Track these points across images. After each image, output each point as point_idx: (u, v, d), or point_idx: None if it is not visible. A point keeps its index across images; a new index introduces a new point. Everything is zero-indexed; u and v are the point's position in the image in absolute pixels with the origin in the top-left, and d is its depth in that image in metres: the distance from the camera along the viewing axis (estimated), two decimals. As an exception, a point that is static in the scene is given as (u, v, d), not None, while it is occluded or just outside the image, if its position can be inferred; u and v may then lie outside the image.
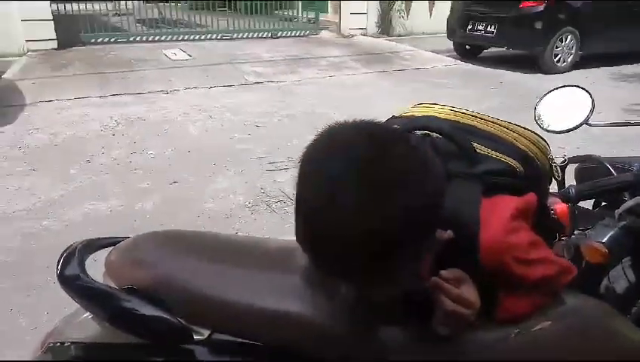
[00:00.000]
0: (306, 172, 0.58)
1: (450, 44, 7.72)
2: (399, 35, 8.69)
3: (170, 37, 7.28)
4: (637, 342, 0.72)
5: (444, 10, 8.71)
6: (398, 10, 8.68)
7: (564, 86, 1.05)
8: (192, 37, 7.40)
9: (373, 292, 0.63)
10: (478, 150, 0.72)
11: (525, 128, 0.80)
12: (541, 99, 1.03)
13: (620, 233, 1.14)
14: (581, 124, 1.01)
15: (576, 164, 1.21)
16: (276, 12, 8.14)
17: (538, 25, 6.41)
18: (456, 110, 0.79)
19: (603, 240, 1.14)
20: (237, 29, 7.69)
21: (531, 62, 6.49)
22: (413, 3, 8.91)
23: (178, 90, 5.12)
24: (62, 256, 0.77)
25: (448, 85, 5.76)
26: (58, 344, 0.76)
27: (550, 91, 1.05)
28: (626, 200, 1.09)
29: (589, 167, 1.23)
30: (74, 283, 0.72)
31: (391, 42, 8.09)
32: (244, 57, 6.53)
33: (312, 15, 8.31)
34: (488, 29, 6.81)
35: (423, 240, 0.59)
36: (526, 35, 6.51)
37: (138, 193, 2.95)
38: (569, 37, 6.52)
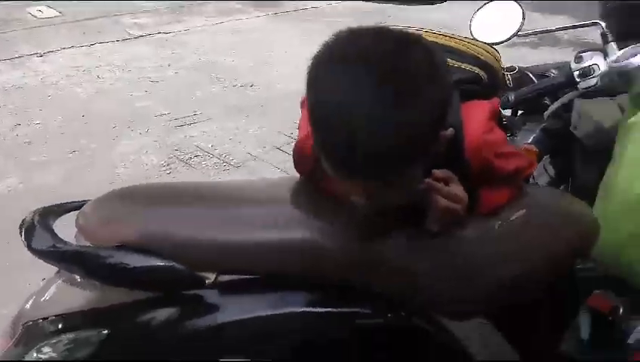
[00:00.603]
0: (329, 77, 0.59)
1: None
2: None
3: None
4: (589, 215, 0.83)
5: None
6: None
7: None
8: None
9: (390, 195, 0.65)
10: (448, 63, 0.75)
11: (478, 41, 0.85)
12: (476, 12, 1.09)
13: (541, 135, 1.26)
14: (514, 35, 1.09)
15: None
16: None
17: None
18: (418, 29, 0.81)
19: (529, 142, 1.26)
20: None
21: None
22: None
23: (54, 52, 4.57)
24: (22, 228, 0.69)
25: (344, 23, 5.69)
26: (38, 321, 0.69)
27: (484, 5, 1.10)
28: (548, 104, 1.21)
29: (513, 77, 1.33)
30: (54, 251, 0.65)
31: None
32: (121, 9, 5.94)
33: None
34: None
35: (438, 135, 0.63)
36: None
37: (35, 167, 2.66)
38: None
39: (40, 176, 2.57)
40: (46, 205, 0.81)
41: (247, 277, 0.68)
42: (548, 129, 1.28)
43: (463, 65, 0.79)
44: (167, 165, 2.73)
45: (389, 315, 0.69)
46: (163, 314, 0.65)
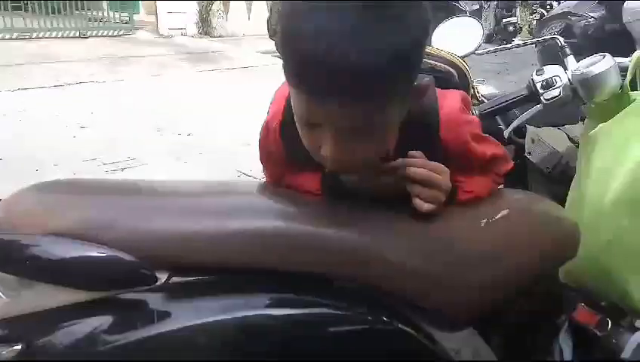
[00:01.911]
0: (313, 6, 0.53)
1: (272, 45, 7.88)
2: (220, 36, 8.58)
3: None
4: (569, 219, 0.79)
5: (262, 12, 8.91)
6: (217, 11, 8.57)
7: (457, 16, 1.13)
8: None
9: (363, 148, 0.59)
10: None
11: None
12: (437, 27, 1.09)
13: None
14: (474, 51, 1.10)
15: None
16: (78, 12, 7.30)
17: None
18: None
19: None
20: (36, 28, 6.69)
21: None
22: (231, 4, 8.91)
23: (-29, 95, 4.25)
24: None
25: (276, 81, 5.84)
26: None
27: (445, 20, 1.11)
28: (502, 128, 1.21)
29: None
30: None
31: (213, 42, 7.94)
32: (52, 57, 5.74)
33: (124, 14, 7.68)
34: (308, 27, 7.13)
35: (414, 77, 0.60)
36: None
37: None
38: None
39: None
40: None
41: (203, 278, 0.56)
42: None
43: (437, 65, 0.80)
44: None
45: (369, 318, 0.59)
46: (94, 323, 0.51)
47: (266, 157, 0.77)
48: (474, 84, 0.93)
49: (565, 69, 0.98)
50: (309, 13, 0.52)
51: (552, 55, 1.55)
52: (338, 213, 0.65)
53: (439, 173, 0.65)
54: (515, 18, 11.88)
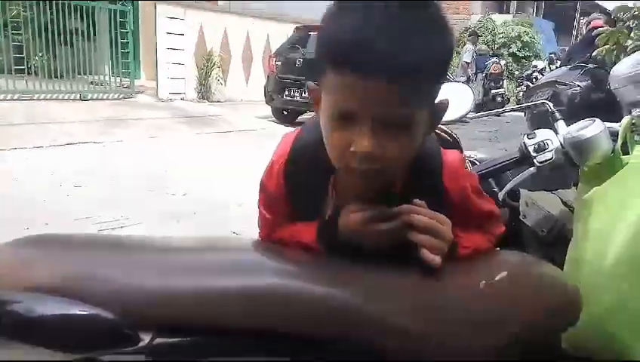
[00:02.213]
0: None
1: (268, 110, 8.12)
2: (219, 101, 8.82)
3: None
4: (569, 284, 0.77)
5: (258, 78, 9.22)
6: (216, 77, 8.85)
7: (449, 81, 1.16)
8: (-21, 96, 6.34)
9: (394, 145, 0.60)
10: None
11: None
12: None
13: None
14: (464, 115, 1.12)
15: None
16: (80, 76, 7.51)
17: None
18: None
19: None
20: (38, 90, 6.85)
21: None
22: (230, 71, 9.22)
23: (-33, 153, 4.27)
24: None
25: (273, 145, 5.94)
26: None
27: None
28: (496, 191, 1.22)
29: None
30: None
31: (212, 107, 8.14)
32: (51, 118, 5.82)
33: (125, 80, 7.90)
34: (304, 94, 7.35)
35: (438, 89, 0.64)
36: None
37: None
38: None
39: None
40: None
41: (189, 339, 0.53)
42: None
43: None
44: (83, 270, 2.44)
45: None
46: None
47: (265, 199, 0.76)
48: (464, 153, 0.95)
49: (556, 132, 0.99)
50: (358, 5, 0.58)
51: (541, 121, 1.59)
52: (331, 271, 0.63)
53: (443, 223, 0.65)
54: (503, 90, 12.36)
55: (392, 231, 0.65)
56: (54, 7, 6.84)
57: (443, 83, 0.65)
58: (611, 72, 0.95)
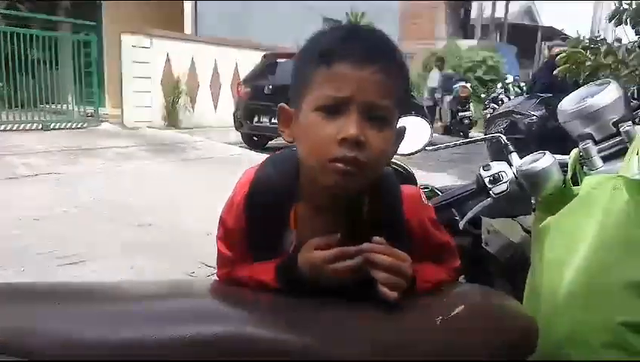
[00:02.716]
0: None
1: (238, 136, 8.11)
2: (187, 128, 8.75)
3: None
4: (526, 314, 0.79)
5: (226, 104, 9.22)
6: (184, 104, 8.81)
7: (407, 115, 1.19)
8: None
9: (373, 138, 0.64)
10: None
11: None
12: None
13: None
14: (422, 148, 1.14)
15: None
16: (43, 106, 7.34)
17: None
18: None
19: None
20: (-2, 120, 6.66)
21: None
22: (198, 98, 9.20)
23: None
24: None
25: (242, 171, 5.94)
26: None
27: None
28: (457, 219, 1.24)
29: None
30: None
31: (181, 134, 8.06)
32: (10, 149, 5.65)
33: (89, 108, 7.77)
34: (273, 120, 7.38)
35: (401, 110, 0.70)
36: (305, 126, 7.27)
37: None
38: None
39: None
40: None
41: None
42: (459, 245, 1.30)
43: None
44: (42, 309, 2.34)
45: None
46: None
47: (224, 234, 0.76)
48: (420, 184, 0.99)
49: (510, 164, 1.02)
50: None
51: (499, 150, 1.64)
52: (290, 314, 0.62)
53: (403, 260, 0.66)
54: (470, 112, 12.72)
55: (353, 271, 0.66)
56: (15, 38, 6.72)
57: (403, 105, 0.71)
58: (558, 107, 0.99)
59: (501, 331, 0.73)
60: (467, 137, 12.27)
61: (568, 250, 0.86)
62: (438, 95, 11.77)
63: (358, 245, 0.66)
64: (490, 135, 1.18)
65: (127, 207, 4.05)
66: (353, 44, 0.66)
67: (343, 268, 0.65)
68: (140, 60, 8.15)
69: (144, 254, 3.09)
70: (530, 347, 0.75)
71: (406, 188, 0.76)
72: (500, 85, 15.78)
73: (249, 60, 9.11)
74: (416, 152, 1.13)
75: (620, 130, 0.91)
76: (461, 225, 1.14)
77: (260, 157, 4.78)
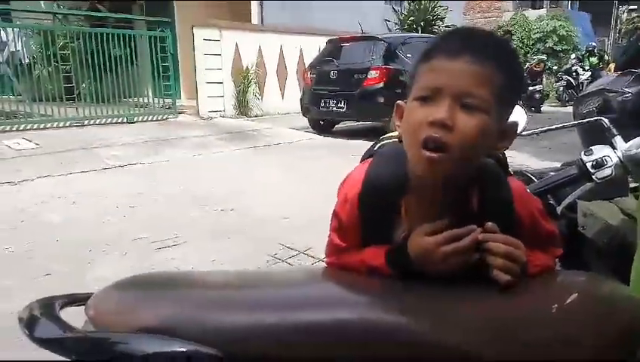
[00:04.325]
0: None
1: (305, 121, 8.25)
2: (256, 116, 9.02)
3: (9, 127, 6.51)
4: (632, 298, 0.79)
5: (293, 91, 9.37)
6: (253, 93, 9.05)
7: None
8: (35, 125, 6.71)
9: (472, 130, 0.67)
10: None
11: None
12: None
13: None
14: (519, 133, 1.15)
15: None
16: (126, 100, 7.86)
17: (381, 99, 7.20)
18: None
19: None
20: (87, 116, 7.20)
21: (378, 132, 7.12)
22: (266, 86, 9.41)
23: (28, 180, 4.54)
24: (23, 320, 0.63)
25: (314, 157, 6.06)
26: None
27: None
28: (553, 205, 1.24)
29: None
30: (64, 338, 0.59)
31: (251, 122, 8.33)
32: (101, 142, 6.11)
33: (168, 100, 8.21)
34: (339, 105, 7.44)
35: (513, 102, 0.75)
36: (372, 109, 7.25)
37: (1, 293, 2.45)
38: (407, 109, 7.44)
39: (6, 303, 2.36)
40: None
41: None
42: (557, 227, 1.30)
43: None
44: (146, 289, 2.57)
45: None
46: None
47: (337, 227, 0.81)
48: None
49: (614, 148, 1.02)
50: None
51: (595, 134, 1.60)
52: (406, 300, 0.67)
53: (517, 247, 0.69)
54: (540, 86, 12.09)
55: (464, 254, 0.69)
56: (98, 37, 7.20)
57: (514, 102, 0.74)
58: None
59: (617, 319, 0.74)
60: (539, 111, 11.74)
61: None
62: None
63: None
64: (592, 118, 1.16)
65: (209, 193, 4.29)
66: (453, 39, 0.71)
67: (453, 250, 0.69)
68: (212, 52, 8.46)
69: (229, 238, 3.28)
70: None
71: (513, 181, 0.78)
72: (573, 56, 14.88)
73: (313, 46, 9.19)
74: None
75: None
76: (559, 210, 1.14)
77: (327, 141, 4.92)
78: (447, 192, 0.73)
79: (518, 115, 1.20)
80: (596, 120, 1.13)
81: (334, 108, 7.50)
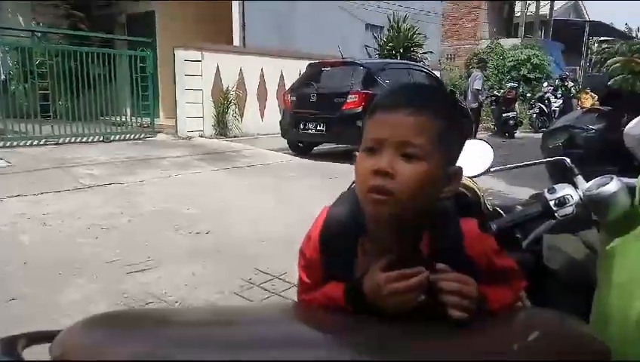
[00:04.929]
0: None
1: (284, 142, 8.29)
2: (235, 136, 9.01)
3: (-22, 144, 6.37)
4: (598, 339, 0.82)
5: (273, 113, 9.43)
6: (233, 114, 9.07)
7: (470, 138, 1.24)
8: (8, 143, 6.58)
9: (417, 172, 0.72)
10: None
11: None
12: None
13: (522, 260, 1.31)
14: (487, 170, 1.19)
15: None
16: (103, 118, 7.78)
17: (359, 123, 7.28)
18: None
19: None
20: (63, 134, 7.10)
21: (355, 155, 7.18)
22: (246, 107, 9.44)
23: (-2, 199, 4.43)
24: None
25: (291, 177, 6.09)
26: None
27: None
28: (520, 238, 1.27)
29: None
30: None
31: (230, 142, 8.32)
32: (76, 161, 6.02)
33: (146, 119, 8.15)
34: (318, 127, 7.52)
35: (457, 147, 0.80)
36: (350, 132, 7.31)
37: (-37, 318, 2.37)
38: (385, 133, 7.55)
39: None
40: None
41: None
42: (521, 262, 1.33)
43: None
44: (116, 314, 2.52)
45: None
46: None
47: (303, 264, 0.86)
48: (484, 198, 1.02)
49: (575, 187, 1.06)
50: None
51: (560, 169, 1.65)
52: (365, 337, 0.69)
53: (467, 284, 0.72)
54: (514, 113, 12.44)
55: (411, 292, 0.72)
56: (77, 55, 7.16)
57: (458, 146, 0.80)
58: (625, 131, 1.02)
59: (575, 356, 0.76)
60: (512, 137, 12.06)
61: (637, 276, 0.89)
62: (482, 97, 11.56)
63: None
64: (555, 158, 1.21)
65: (185, 215, 4.25)
66: (392, 94, 0.79)
67: (401, 287, 0.72)
68: (192, 73, 8.48)
69: (203, 261, 3.24)
70: None
71: (465, 223, 0.81)
72: (546, 84, 15.37)
73: (294, 70, 9.29)
74: (479, 175, 1.19)
75: (688, 155, 0.93)
76: (524, 244, 1.18)
77: (306, 163, 4.95)
78: (398, 233, 0.78)
79: (485, 152, 1.25)
80: (558, 159, 1.18)
81: (313, 131, 7.57)
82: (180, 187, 5.30)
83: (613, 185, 0.94)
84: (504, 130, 12.31)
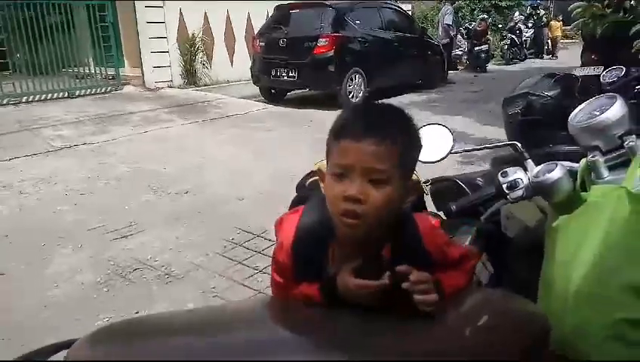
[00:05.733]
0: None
1: (256, 89, 8.18)
2: (205, 85, 8.81)
3: None
4: (541, 314, 0.94)
5: (242, 58, 9.20)
6: (201, 61, 8.82)
7: (429, 124, 1.31)
8: (-33, 104, 6.34)
9: (381, 194, 0.80)
10: None
11: None
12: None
13: (477, 236, 1.43)
14: (448, 154, 1.28)
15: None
16: (65, 70, 7.47)
17: (331, 67, 7.23)
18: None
19: (467, 243, 1.43)
20: (25, 92, 6.84)
21: (330, 100, 7.15)
22: (214, 54, 9.17)
23: (-32, 168, 4.36)
24: None
25: (266, 128, 6.09)
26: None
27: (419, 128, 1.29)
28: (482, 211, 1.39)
29: (441, 185, 1.52)
30: None
31: (200, 92, 8.15)
32: (42, 121, 5.87)
33: (110, 71, 7.88)
34: (290, 74, 7.43)
35: (414, 160, 0.89)
36: (323, 77, 7.28)
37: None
38: (357, 76, 7.50)
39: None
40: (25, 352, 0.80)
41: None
42: (482, 230, 1.45)
43: None
44: (105, 282, 2.62)
45: None
46: None
47: (276, 268, 0.96)
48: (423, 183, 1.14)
49: (525, 170, 1.16)
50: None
51: (517, 131, 1.75)
52: (338, 328, 0.80)
53: (426, 280, 0.83)
54: (486, 46, 12.41)
55: (380, 291, 0.83)
56: (31, 7, 6.77)
57: (415, 162, 0.88)
58: (569, 119, 1.10)
59: (519, 330, 0.89)
60: (484, 71, 12.09)
61: (576, 252, 1.01)
62: (452, 32, 11.46)
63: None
64: (507, 143, 1.29)
65: (161, 174, 4.27)
66: (357, 121, 0.84)
67: (365, 294, 0.84)
68: (155, 20, 8.13)
69: (185, 223, 3.33)
70: (545, 344, 0.91)
71: (420, 220, 0.92)
72: (517, 13, 15.24)
73: (262, 12, 8.99)
74: (440, 160, 1.27)
75: (624, 144, 1.02)
76: (483, 218, 1.29)
77: (280, 110, 5.03)
78: (364, 243, 0.88)
79: (445, 136, 1.33)
80: (509, 144, 1.27)
81: (285, 78, 7.49)
82: (152, 144, 5.27)
83: (557, 172, 1.03)
84: (476, 63, 12.32)
